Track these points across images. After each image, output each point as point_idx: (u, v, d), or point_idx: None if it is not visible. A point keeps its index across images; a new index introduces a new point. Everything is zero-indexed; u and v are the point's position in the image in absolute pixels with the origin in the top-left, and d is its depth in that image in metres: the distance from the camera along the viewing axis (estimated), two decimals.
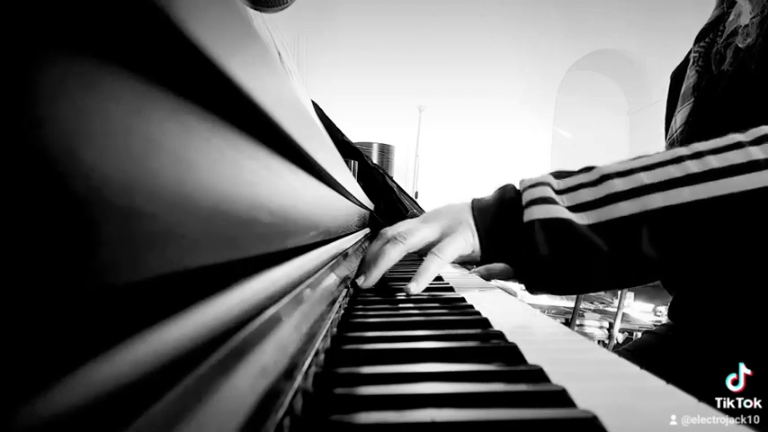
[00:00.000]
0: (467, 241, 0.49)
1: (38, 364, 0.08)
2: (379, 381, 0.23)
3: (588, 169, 0.49)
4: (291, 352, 0.19)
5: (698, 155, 0.44)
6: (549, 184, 0.48)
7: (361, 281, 0.50)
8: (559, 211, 0.46)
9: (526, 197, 0.48)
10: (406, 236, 0.49)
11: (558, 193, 0.47)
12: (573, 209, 0.46)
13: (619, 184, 0.45)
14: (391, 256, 0.49)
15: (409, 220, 0.54)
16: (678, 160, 0.44)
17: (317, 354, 0.23)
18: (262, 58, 0.18)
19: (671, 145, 0.69)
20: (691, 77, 0.67)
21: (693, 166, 0.43)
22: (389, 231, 0.52)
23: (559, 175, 0.49)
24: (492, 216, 0.50)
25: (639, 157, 0.47)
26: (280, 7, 0.73)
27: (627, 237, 0.43)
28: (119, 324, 0.11)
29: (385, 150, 3.49)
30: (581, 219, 0.45)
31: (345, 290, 0.44)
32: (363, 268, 0.51)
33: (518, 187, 0.50)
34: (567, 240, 0.45)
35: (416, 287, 0.46)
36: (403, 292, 0.48)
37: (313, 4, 3.48)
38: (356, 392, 0.21)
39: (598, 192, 0.46)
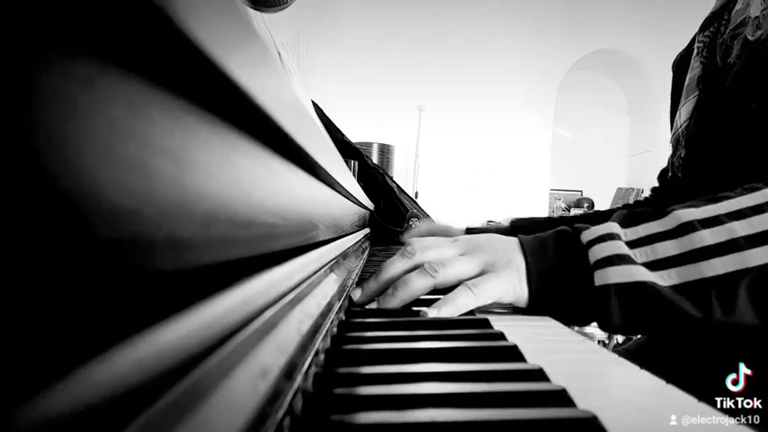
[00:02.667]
0: (511, 286, 0.42)
1: (38, 364, 0.08)
2: (380, 381, 0.23)
3: (659, 214, 0.42)
4: (291, 352, 0.19)
5: None
6: (617, 236, 0.41)
7: (373, 305, 0.43)
8: (639, 272, 0.39)
9: (595, 254, 0.41)
10: (438, 268, 0.42)
11: (631, 245, 0.41)
12: (651, 266, 0.39)
13: (707, 237, 0.38)
14: (414, 288, 0.41)
15: (442, 242, 0.46)
16: None
17: (317, 354, 0.23)
18: (262, 58, 0.18)
19: (676, 140, 0.68)
20: (695, 69, 0.65)
21: None
22: (419, 255, 0.44)
23: (625, 221, 0.43)
24: (550, 266, 0.42)
25: (716, 200, 0.41)
26: (280, 7, 0.73)
27: (721, 298, 0.37)
28: (119, 324, 0.11)
29: (385, 150, 3.48)
30: (663, 279, 0.39)
31: (345, 291, 0.44)
32: (374, 284, 0.44)
33: (581, 238, 0.43)
34: (648, 307, 0.39)
35: (437, 315, 0.39)
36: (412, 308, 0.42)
37: (313, 4, 3.48)
38: (356, 392, 0.21)
39: (682, 245, 0.39)
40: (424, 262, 0.43)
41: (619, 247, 0.40)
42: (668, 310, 0.38)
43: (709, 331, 0.40)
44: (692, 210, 0.41)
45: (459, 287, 0.41)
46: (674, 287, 0.38)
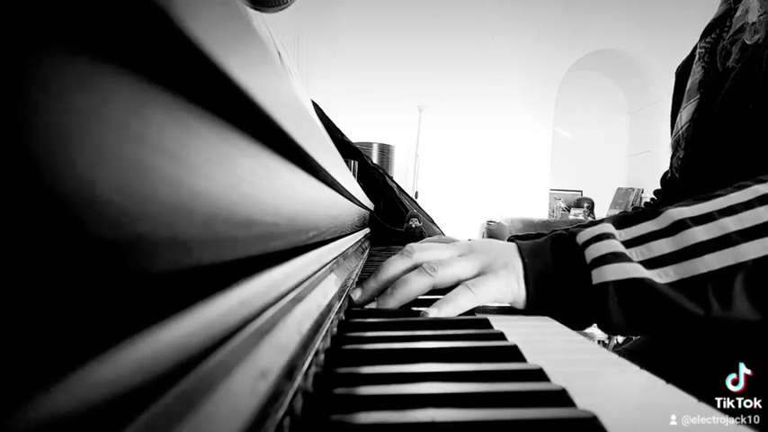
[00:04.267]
0: (509, 287, 0.42)
1: (38, 364, 0.08)
2: (380, 381, 0.23)
3: (652, 214, 0.42)
4: (291, 352, 0.19)
5: None
6: (612, 236, 0.42)
7: (373, 305, 0.43)
8: (635, 269, 0.40)
9: (591, 253, 0.41)
10: (437, 267, 0.42)
11: (626, 245, 0.41)
12: (648, 264, 0.40)
13: (700, 234, 0.39)
14: (413, 288, 0.42)
15: (440, 244, 0.47)
16: (765, 200, 0.39)
17: (317, 353, 0.23)
18: (261, 58, 0.18)
19: (676, 142, 0.69)
20: (696, 73, 0.66)
21: None
22: (417, 254, 0.44)
23: (619, 222, 0.43)
24: (547, 267, 0.43)
25: (708, 198, 0.41)
26: (280, 7, 0.73)
27: (718, 293, 0.38)
28: (119, 324, 0.11)
29: (385, 150, 3.49)
30: (660, 276, 0.39)
31: (345, 291, 0.44)
32: (373, 284, 0.44)
33: (576, 239, 0.43)
34: (648, 304, 0.39)
35: (437, 314, 0.39)
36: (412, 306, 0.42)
37: (313, 4, 3.48)
38: (356, 392, 0.21)
39: (676, 243, 0.40)
40: (423, 262, 0.43)
41: (614, 246, 0.41)
42: (667, 307, 0.38)
43: (710, 329, 0.40)
44: (684, 208, 0.41)
45: (459, 287, 0.41)
46: (671, 284, 0.39)
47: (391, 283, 0.43)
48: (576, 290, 0.41)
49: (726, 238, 0.38)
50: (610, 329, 0.41)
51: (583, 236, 0.43)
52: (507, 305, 0.44)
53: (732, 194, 0.41)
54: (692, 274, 0.39)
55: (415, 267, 0.43)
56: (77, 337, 0.10)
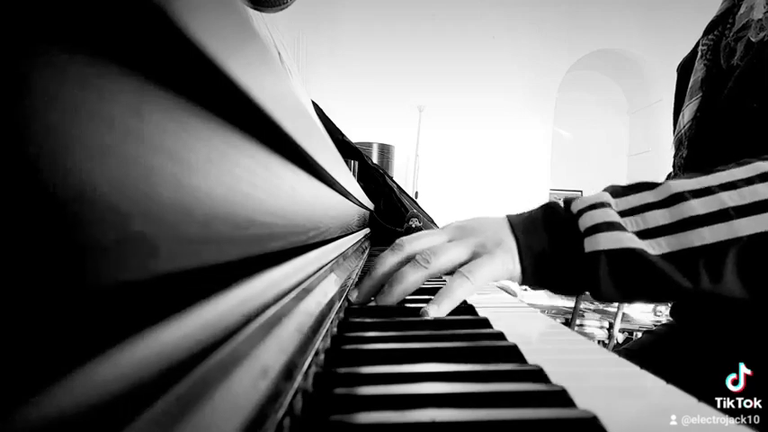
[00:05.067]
0: (504, 265, 0.42)
1: (38, 364, 0.08)
2: (380, 381, 0.23)
3: (651, 185, 0.42)
4: (291, 352, 0.19)
5: None
6: (608, 204, 0.41)
7: (371, 304, 0.43)
8: (629, 239, 0.39)
9: (585, 221, 0.41)
10: (430, 258, 0.41)
11: (622, 215, 0.41)
12: (642, 234, 0.40)
13: (697, 206, 0.39)
14: (409, 281, 0.41)
15: (430, 232, 0.46)
16: (765, 177, 0.39)
17: (317, 353, 0.23)
18: (261, 58, 0.18)
19: (679, 141, 0.68)
20: (699, 71, 0.66)
21: None
22: (408, 246, 0.44)
23: (616, 192, 0.43)
24: (540, 241, 0.43)
25: (711, 173, 0.41)
26: (280, 7, 0.73)
27: (709, 268, 0.38)
28: (120, 324, 0.11)
29: (385, 150, 3.49)
30: (652, 247, 0.39)
31: (345, 291, 0.44)
32: (368, 282, 0.43)
33: (571, 208, 0.43)
34: (638, 274, 0.39)
35: (437, 311, 0.39)
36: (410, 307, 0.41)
37: (313, 4, 3.48)
38: (356, 392, 0.21)
39: (672, 214, 0.39)
40: (415, 253, 0.43)
41: (609, 215, 0.41)
42: (657, 277, 0.39)
43: (701, 301, 0.40)
44: (686, 181, 0.41)
45: (455, 275, 0.41)
46: (663, 255, 0.39)
47: (387, 279, 0.42)
48: (569, 259, 0.41)
49: (723, 212, 0.38)
50: (600, 297, 0.41)
51: (578, 204, 0.43)
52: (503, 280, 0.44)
53: (733, 170, 0.40)
54: (685, 246, 0.38)
55: (408, 260, 0.43)
56: (78, 336, 0.10)
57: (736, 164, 0.41)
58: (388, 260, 0.44)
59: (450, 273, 0.42)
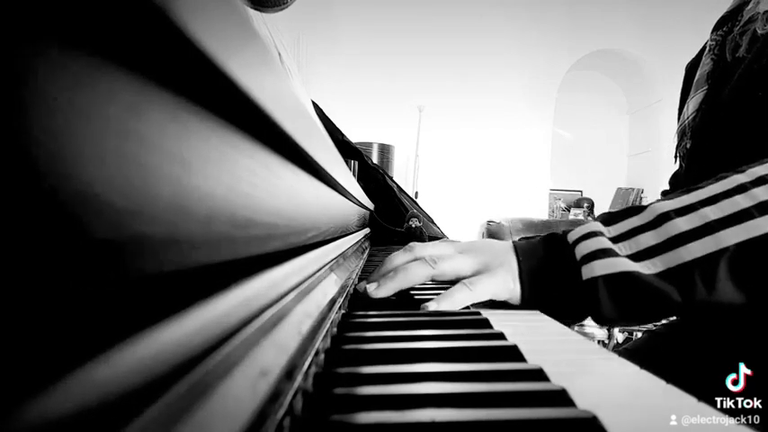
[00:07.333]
0: (505, 284, 0.44)
1: (39, 364, 0.08)
2: (380, 381, 0.23)
3: (638, 210, 0.44)
4: (291, 352, 0.19)
5: (761, 180, 0.40)
6: (600, 233, 0.44)
7: (372, 288, 0.45)
8: (623, 263, 0.41)
9: (581, 250, 0.43)
10: (437, 260, 0.45)
11: (614, 241, 0.43)
12: (635, 257, 0.42)
13: (682, 224, 0.41)
14: (414, 274, 0.45)
15: (441, 242, 0.49)
16: (741, 189, 0.41)
17: (317, 353, 0.23)
18: (261, 58, 0.18)
19: (682, 131, 0.69)
20: (706, 65, 0.67)
21: (763, 194, 0.40)
22: (418, 249, 0.47)
23: (607, 220, 0.45)
24: (540, 267, 0.45)
25: (690, 191, 0.43)
26: (280, 7, 0.73)
27: (703, 279, 0.39)
28: (119, 324, 0.11)
29: (385, 150, 3.49)
30: (646, 268, 0.41)
31: (345, 291, 0.44)
32: (376, 276, 0.47)
33: (567, 238, 0.45)
34: (636, 295, 0.41)
35: (436, 307, 0.42)
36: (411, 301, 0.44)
37: (313, 4, 3.48)
38: (356, 392, 0.21)
39: (660, 234, 0.42)
40: (425, 255, 0.46)
41: (602, 243, 0.43)
42: (655, 296, 0.40)
43: (698, 317, 0.41)
44: (668, 201, 0.43)
45: (457, 284, 0.44)
46: (658, 274, 0.41)
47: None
48: (568, 286, 0.44)
49: (706, 226, 0.40)
50: (603, 322, 0.43)
51: (573, 235, 0.45)
52: (502, 301, 0.46)
53: (712, 186, 0.43)
54: (677, 262, 0.40)
55: (416, 261, 0.46)
56: (77, 336, 0.10)
57: (714, 179, 0.43)
58: (399, 258, 0.48)
59: (453, 283, 0.45)
